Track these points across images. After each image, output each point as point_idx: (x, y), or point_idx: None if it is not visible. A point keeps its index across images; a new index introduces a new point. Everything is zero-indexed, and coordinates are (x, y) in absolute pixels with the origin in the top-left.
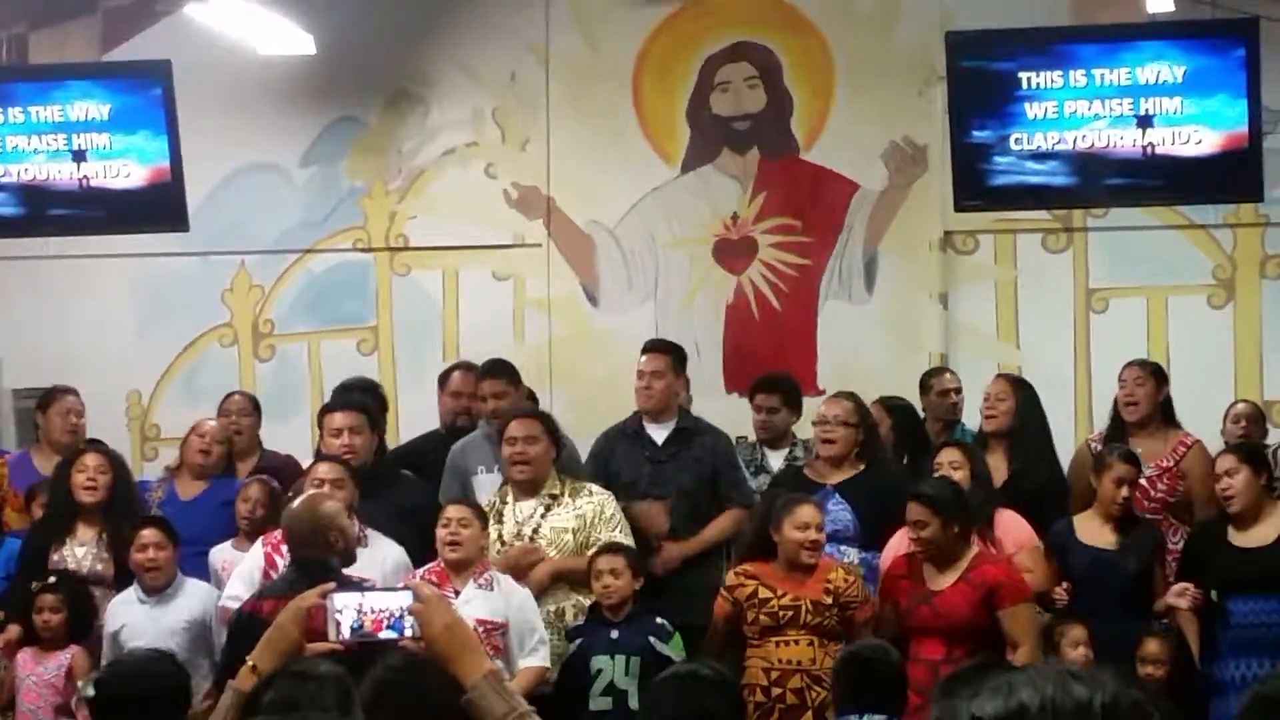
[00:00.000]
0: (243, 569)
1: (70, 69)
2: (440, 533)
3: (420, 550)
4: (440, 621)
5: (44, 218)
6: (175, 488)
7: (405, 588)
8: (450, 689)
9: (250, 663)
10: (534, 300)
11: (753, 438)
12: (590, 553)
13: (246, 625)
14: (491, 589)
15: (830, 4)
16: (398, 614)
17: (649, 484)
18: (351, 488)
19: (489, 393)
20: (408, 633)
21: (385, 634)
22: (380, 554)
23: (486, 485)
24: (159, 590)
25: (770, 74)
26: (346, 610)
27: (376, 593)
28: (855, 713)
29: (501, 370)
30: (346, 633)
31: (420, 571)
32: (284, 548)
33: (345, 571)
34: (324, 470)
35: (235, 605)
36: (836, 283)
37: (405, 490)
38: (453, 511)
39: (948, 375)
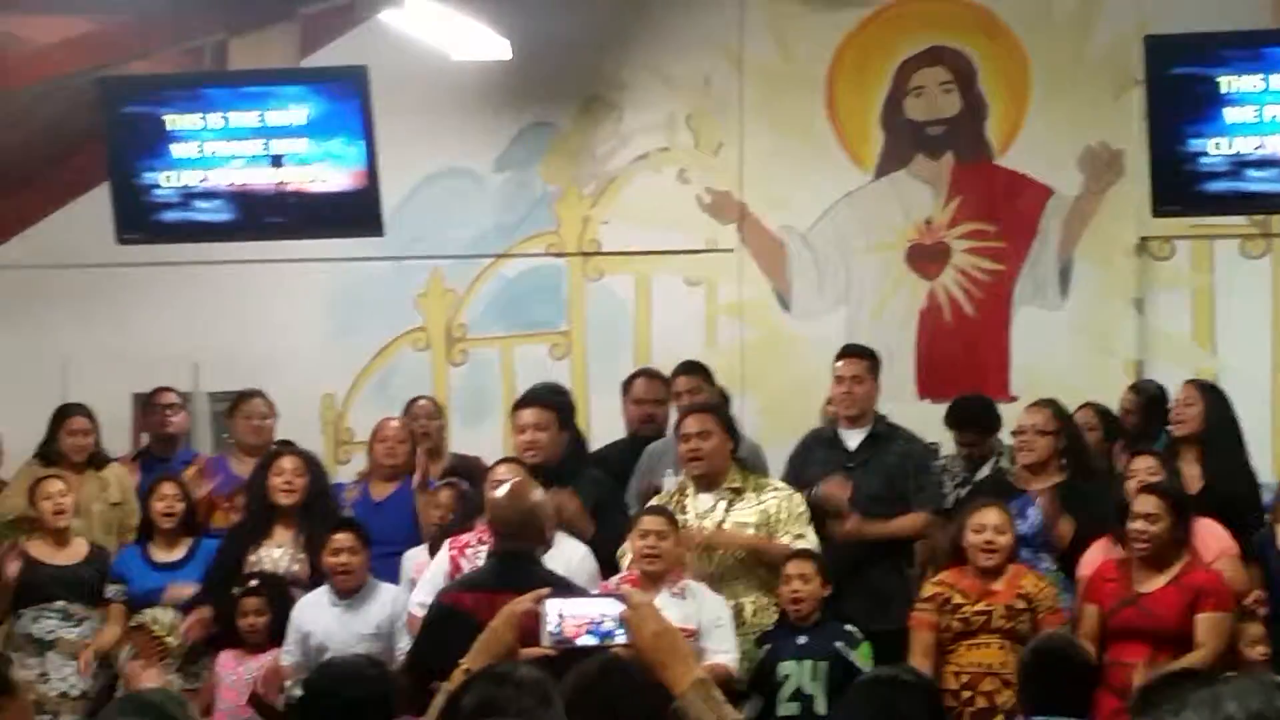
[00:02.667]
0: (429, 575)
1: (269, 75)
2: (638, 544)
3: (599, 547)
4: (650, 628)
5: (241, 222)
6: (369, 489)
7: (617, 594)
8: (651, 695)
9: (463, 665)
10: (726, 305)
11: (946, 445)
12: (780, 540)
13: (445, 616)
14: (685, 597)
15: (1026, 8)
16: (609, 620)
17: None
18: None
19: (684, 389)
20: (619, 639)
21: (595, 640)
22: (566, 553)
23: (672, 488)
24: (350, 593)
25: (965, 78)
26: (558, 615)
27: (588, 599)
28: (1040, 714)
29: (695, 368)
30: (558, 638)
31: (613, 580)
32: (469, 550)
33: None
34: (502, 471)
35: (422, 614)
36: (1031, 288)
37: (588, 487)
38: (650, 523)
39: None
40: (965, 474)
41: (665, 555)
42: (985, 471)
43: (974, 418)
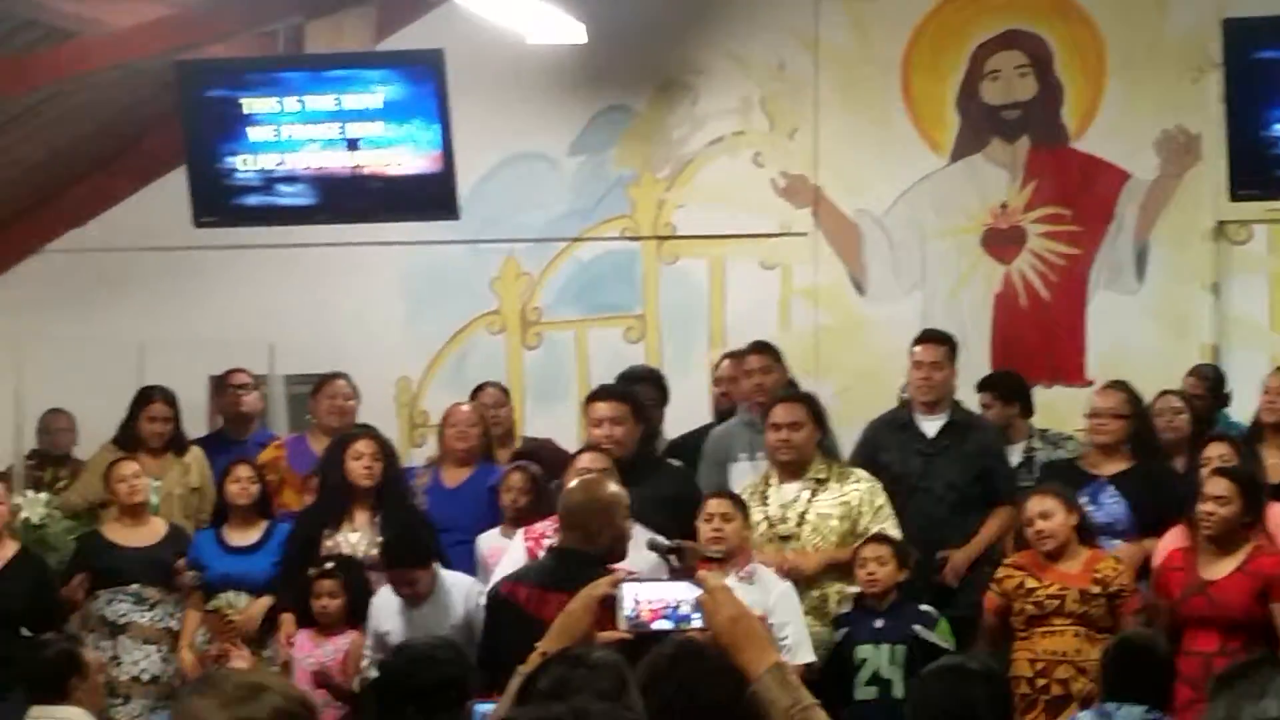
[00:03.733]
0: (505, 565)
1: (345, 58)
2: (703, 527)
3: (680, 538)
4: (726, 613)
5: (317, 206)
6: (440, 475)
7: (693, 579)
8: (726, 679)
9: (540, 648)
10: (800, 289)
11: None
12: (855, 544)
13: (501, 605)
14: (752, 582)
15: None
16: (685, 604)
17: (920, 477)
18: (615, 477)
19: (755, 367)
20: (695, 623)
21: (671, 624)
22: (640, 543)
23: (746, 472)
24: (420, 600)
25: (1041, 62)
26: (635, 600)
27: (664, 583)
28: (1120, 702)
29: (766, 348)
30: (634, 622)
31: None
32: (545, 541)
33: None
34: (587, 460)
35: None
36: (1107, 272)
37: (666, 479)
38: (714, 506)
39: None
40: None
41: (730, 538)
42: (1016, 456)
43: (995, 381)
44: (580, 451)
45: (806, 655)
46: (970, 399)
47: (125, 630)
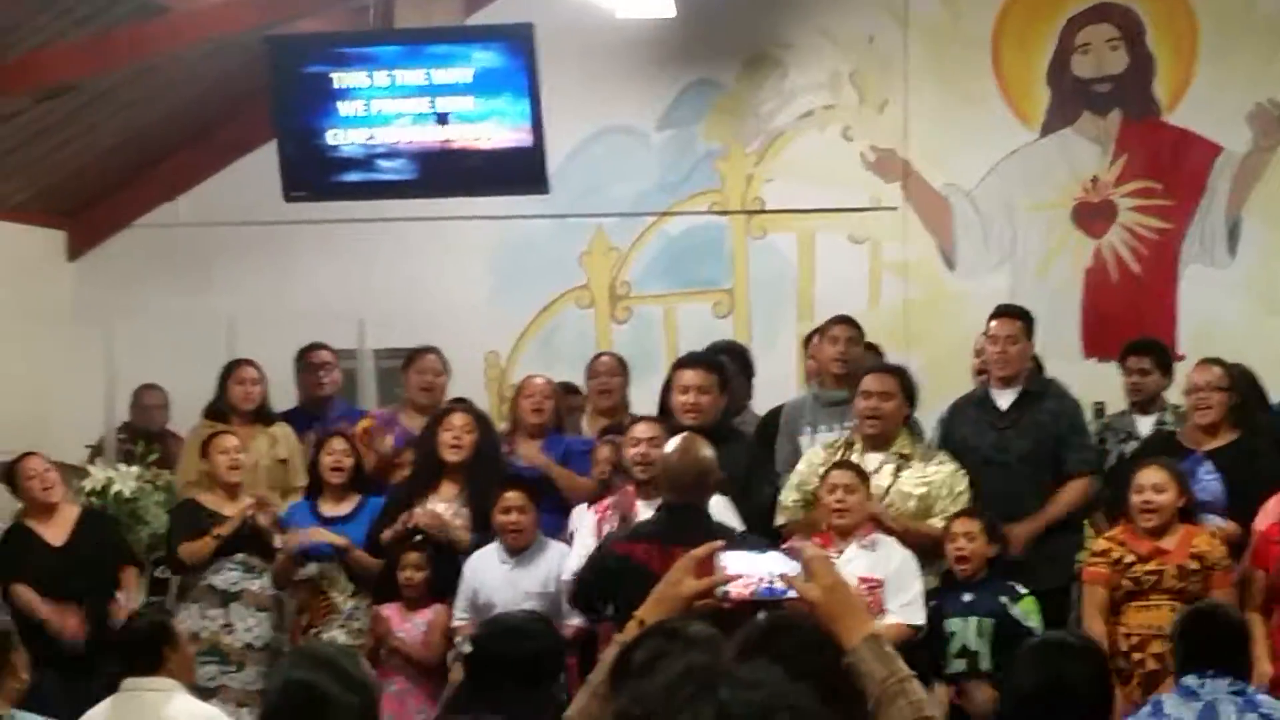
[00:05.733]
0: (579, 542)
1: (435, 33)
2: (827, 499)
3: (742, 512)
4: (824, 582)
5: (407, 180)
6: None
7: (789, 549)
8: (823, 649)
9: (638, 618)
10: (890, 263)
11: (1112, 404)
12: (933, 524)
13: (617, 564)
14: (875, 549)
15: None
16: (782, 574)
17: (992, 450)
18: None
19: (843, 335)
20: (791, 593)
21: (769, 594)
22: (719, 509)
23: (808, 446)
24: (519, 551)
25: (1133, 35)
26: (733, 569)
27: (761, 553)
28: (1197, 673)
29: (845, 320)
30: (731, 592)
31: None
32: (609, 513)
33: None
34: (640, 430)
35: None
36: (1198, 246)
37: (733, 452)
38: (839, 477)
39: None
40: (1129, 430)
41: (853, 509)
42: (1148, 429)
43: (1149, 346)
44: (635, 420)
45: (920, 617)
46: (1058, 373)
47: (238, 598)
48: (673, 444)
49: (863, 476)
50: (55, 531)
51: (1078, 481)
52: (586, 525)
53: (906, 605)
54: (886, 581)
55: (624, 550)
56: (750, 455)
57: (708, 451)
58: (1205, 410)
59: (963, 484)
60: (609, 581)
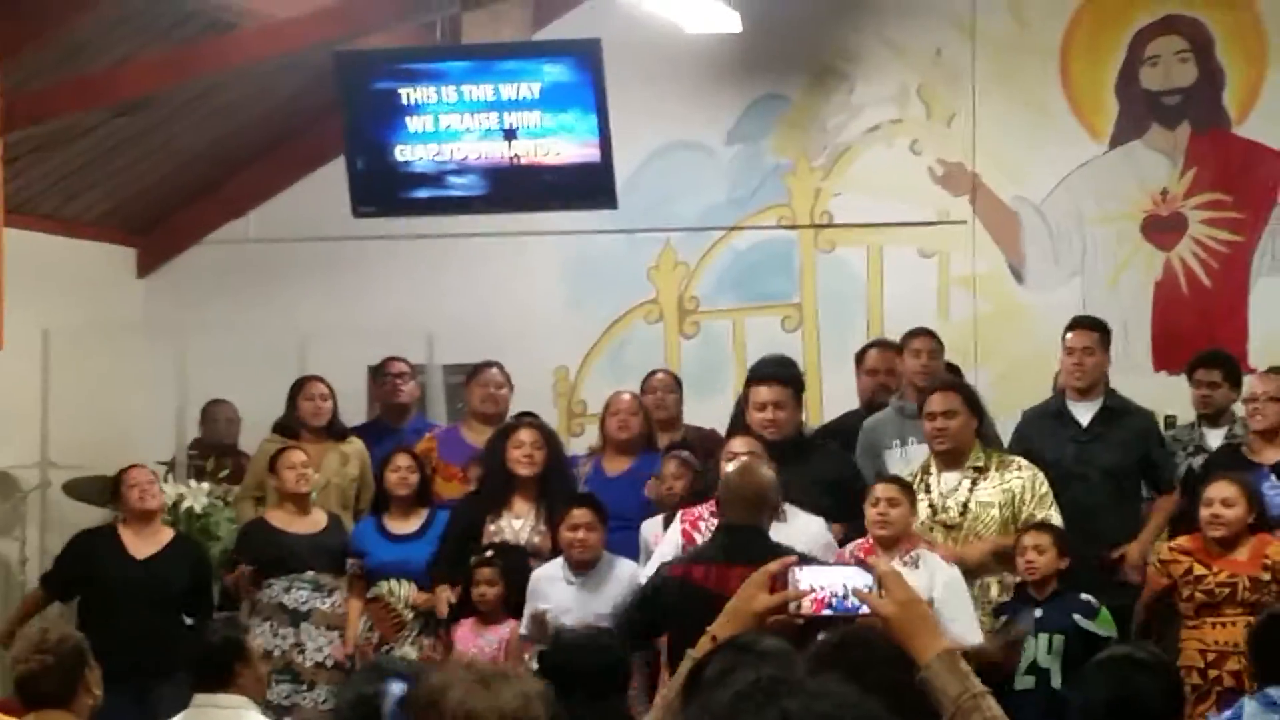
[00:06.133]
0: (662, 549)
1: (502, 49)
2: (870, 511)
3: (837, 518)
4: (897, 598)
5: (475, 196)
6: (601, 464)
7: (862, 564)
8: (896, 665)
9: (710, 633)
10: (958, 277)
11: (1182, 417)
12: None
13: (675, 588)
14: (918, 566)
15: None
16: (856, 590)
17: (1073, 462)
18: (767, 460)
19: (922, 348)
20: (864, 609)
21: (840, 609)
22: (799, 527)
23: (898, 460)
24: (586, 569)
25: (1202, 47)
26: (805, 584)
27: (833, 568)
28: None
29: (927, 332)
30: (804, 607)
31: (849, 548)
32: (701, 524)
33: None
34: (738, 445)
35: None
36: (1269, 259)
37: (825, 461)
38: (881, 490)
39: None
40: (1197, 443)
41: (895, 522)
42: (1217, 442)
43: (1218, 358)
44: (733, 435)
45: (975, 637)
46: (1128, 386)
47: (308, 617)
48: (733, 464)
49: (907, 490)
50: (142, 545)
51: (1168, 497)
52: (673, 534)
53: (964, 627)
54: (935, 604)
55: (681, 572)
56: (843, 460)
57: (767, 472)
58: (1260, 418)
59: (1045, 486)
60: (663, 606)
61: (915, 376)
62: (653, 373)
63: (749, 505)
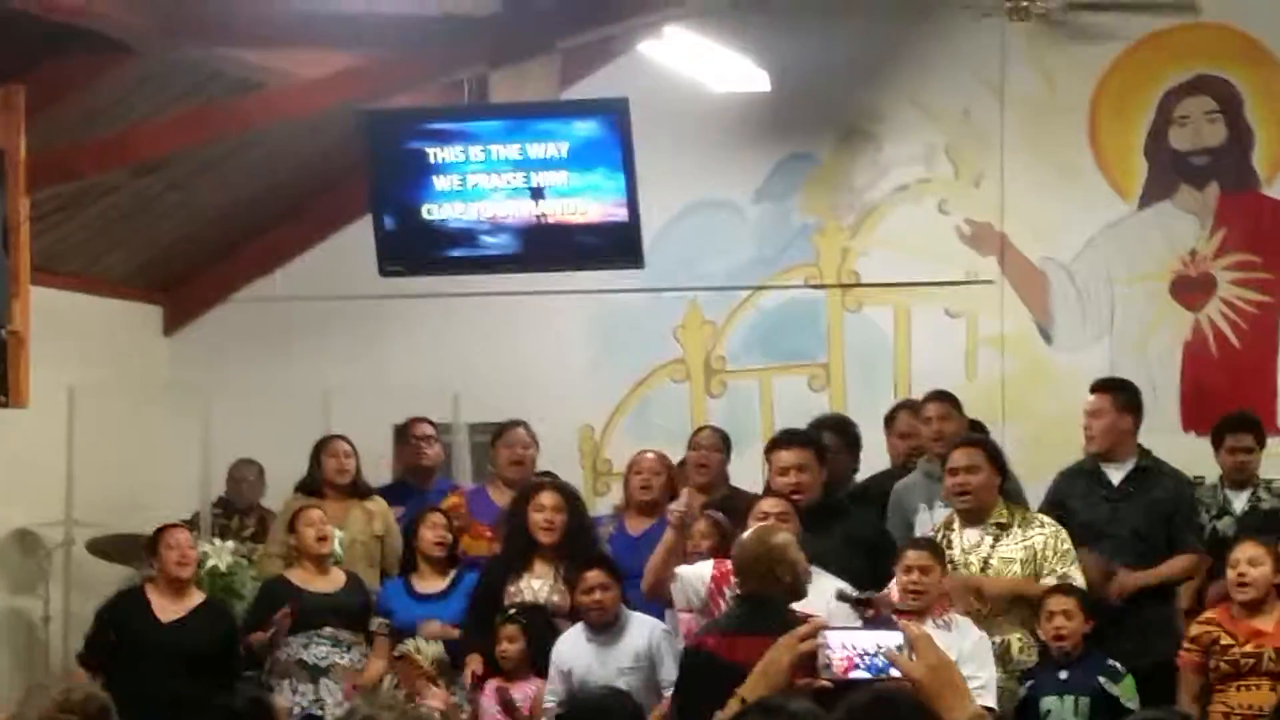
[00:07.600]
0: (685, 574)
1: (529, 108)
2: (902, 579)
3: (871, 580)
4: (927, 660)
5: (502, 255)
6: (624, 523)
7: (894, 627)
8: None
9: (740, 695)
10: (987, 338)
11: (1210, 479)
12: (1044, 582)
13: (692, 658)
14: (950, 629)
15: None
16: (885, 651)
17: (1106, 523)
18: (795, 523)
19: (935, 414)
20: (893, 672)
21: (869, 673)
22: (822, 588)
23: (927, 523)
24: (605, 628)
25: (1231, 107)
26: (836, 647)
27: (863, 631)
28: None
29: (945, 396)
30: (834, 669)
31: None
32: (732, 579)
33: (793, 607)
34: (768, 505)
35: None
36: None
37: (854, 522)
38: (913, 558)
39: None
40: (1221, 506)
41: (929, 590)
42: (1242, 505)
43: (1248, 423)
44: (762, 497)
45: (991, 700)
46: (1156, 446)
47: (327, 673)
48: (746, 534)
49: (939, 555)
50: (169, 608)
51: (1190, 554)
52: (699, 569)
53: (980, 688)
54: (960, 660)
55: (696, 642)
56: (870, 526)
57: (782, 537)
58: None
59: (1067, 543)
60: (692, 680)
61: (932, 444)
62: (700, 429)
63: (760, 574)
